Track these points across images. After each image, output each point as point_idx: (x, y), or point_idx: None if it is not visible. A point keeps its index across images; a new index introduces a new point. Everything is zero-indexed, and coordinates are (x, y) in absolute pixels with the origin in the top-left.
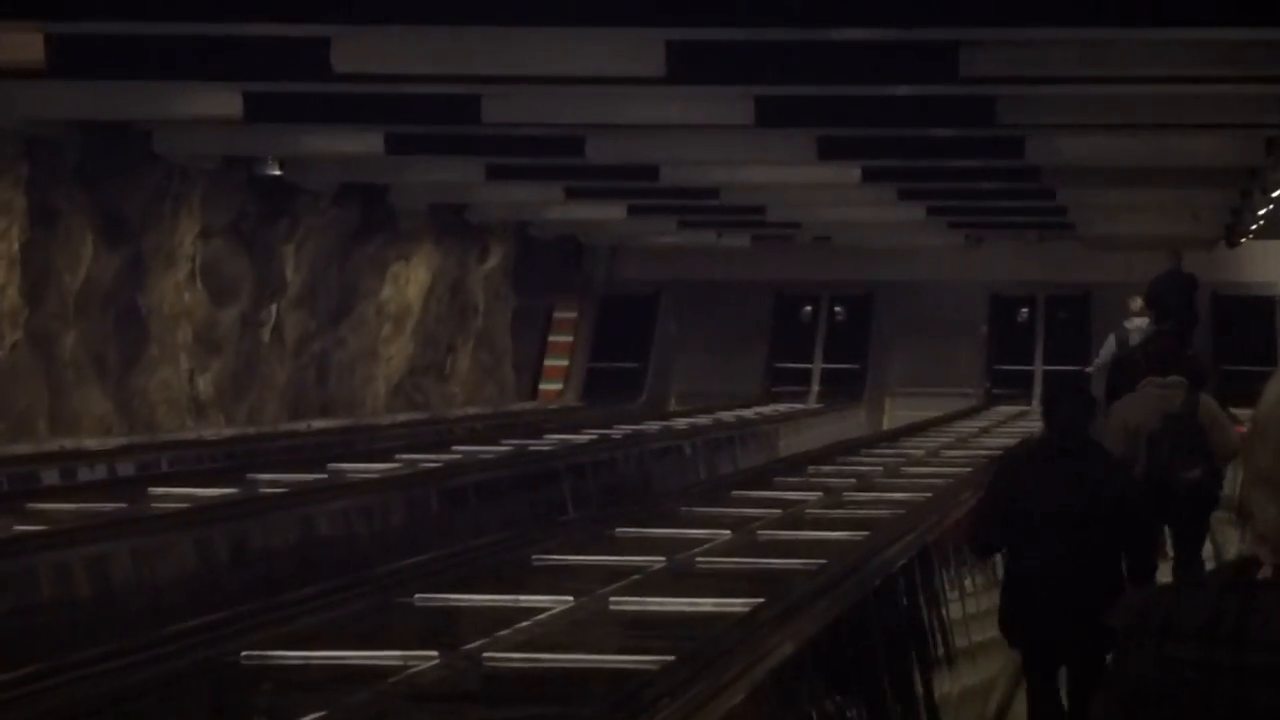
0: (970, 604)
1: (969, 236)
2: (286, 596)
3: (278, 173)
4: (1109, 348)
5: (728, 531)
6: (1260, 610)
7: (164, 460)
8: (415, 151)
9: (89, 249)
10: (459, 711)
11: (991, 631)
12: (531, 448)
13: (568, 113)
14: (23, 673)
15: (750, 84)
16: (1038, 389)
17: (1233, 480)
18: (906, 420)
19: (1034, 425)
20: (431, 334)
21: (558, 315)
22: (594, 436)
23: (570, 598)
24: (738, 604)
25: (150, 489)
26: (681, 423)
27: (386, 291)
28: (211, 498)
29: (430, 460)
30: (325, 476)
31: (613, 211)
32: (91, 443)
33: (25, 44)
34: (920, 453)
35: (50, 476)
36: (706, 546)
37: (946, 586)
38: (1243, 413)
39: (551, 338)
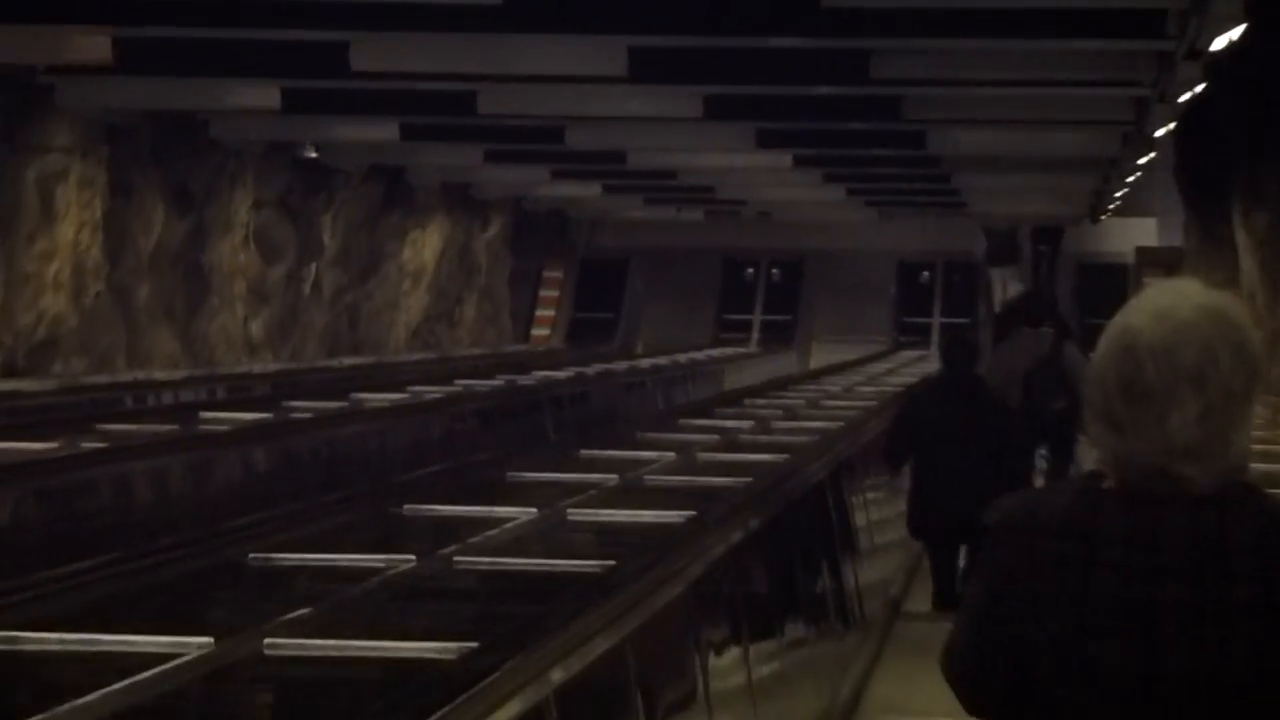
0: (874, 513)
1: (881, 213)
2: (301, 505)
3: (314, 155)
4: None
5: (673, 454)
6: (1104, 513)
7: (220, 389)
8: (425, 138)
9: (160, 217)
10: (429, 609)
11: (891, 535)
12: (520, 382)
13: (549, 106)
14: (93, 561)
15: (699, 84)
16: (935, 338)
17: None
18: (828, 362)
19: (931, 367)
20: (443, 289)
21: (547, 274)
22: (572, 373)
23: (535, 509)
24: (675, 515)
25: (202, 413)
26: (645, 363)
27: (406, 254)
28: (251, 420)
29: (437, 391)
30: (346, 404)
31: (590, 190)
32: (160, 375)
33: (95, 45)
34: (838, 389)
35: (124, 402)
36: (654, 466)
37: (854, 499)
38: None
39: (541, 293)
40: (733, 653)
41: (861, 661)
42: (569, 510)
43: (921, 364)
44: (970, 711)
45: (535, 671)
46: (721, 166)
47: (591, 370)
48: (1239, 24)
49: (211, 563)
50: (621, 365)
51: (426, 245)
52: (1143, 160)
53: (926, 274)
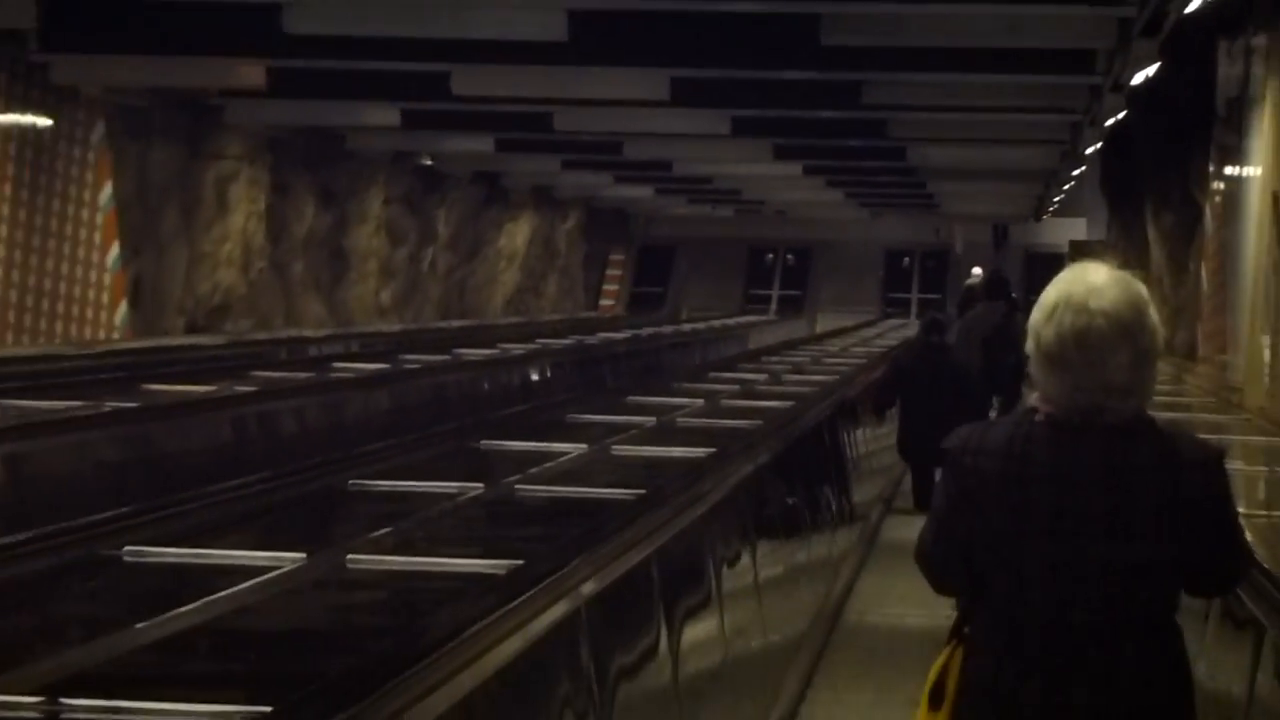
0: (862, 448)
1: (871, 211)
2: (405, 438)
3: (429, 163)
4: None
5: (701, 400)
6: (1036, 439)
7: (354, 345)
8: (514, 150)
9: (310, 210)
10: (490, 530)
11: (877, 463)
12: (587, 341)
13: (609, 125)
14: (238, 481)
15: (728, 108)
16: (914, 310)
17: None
18: (830, 328)
19: (910, 332)
20: (530, 268)
21: (612, 258)
22: (629, 335)
23: (585, 445)
24: (700, 451)
25: (334, 364)
26: (687, 327)
27: (502, 240)
28: (373, 370)
29: (521, 348)
30: (449, 358)
31: (644, 192)
32: (309, 333)
33: (253, 74)
34: (836, 349)
35: (278, 354)
36: (685, 410)
37: (848, 436)
38: None
39: (608, 272)
40: (744, 561)
41: (853, 561)
42: (613, 446)
43: (902, 330)
44: (938, 592)
45: (570, 585)
46: (746, 174)
47: (645, 332)
48: (1153, 63)
49: (323, 487)
50: (668, 329)
51: (518, 234)
52: (1075, 172)
53: (907, 259)
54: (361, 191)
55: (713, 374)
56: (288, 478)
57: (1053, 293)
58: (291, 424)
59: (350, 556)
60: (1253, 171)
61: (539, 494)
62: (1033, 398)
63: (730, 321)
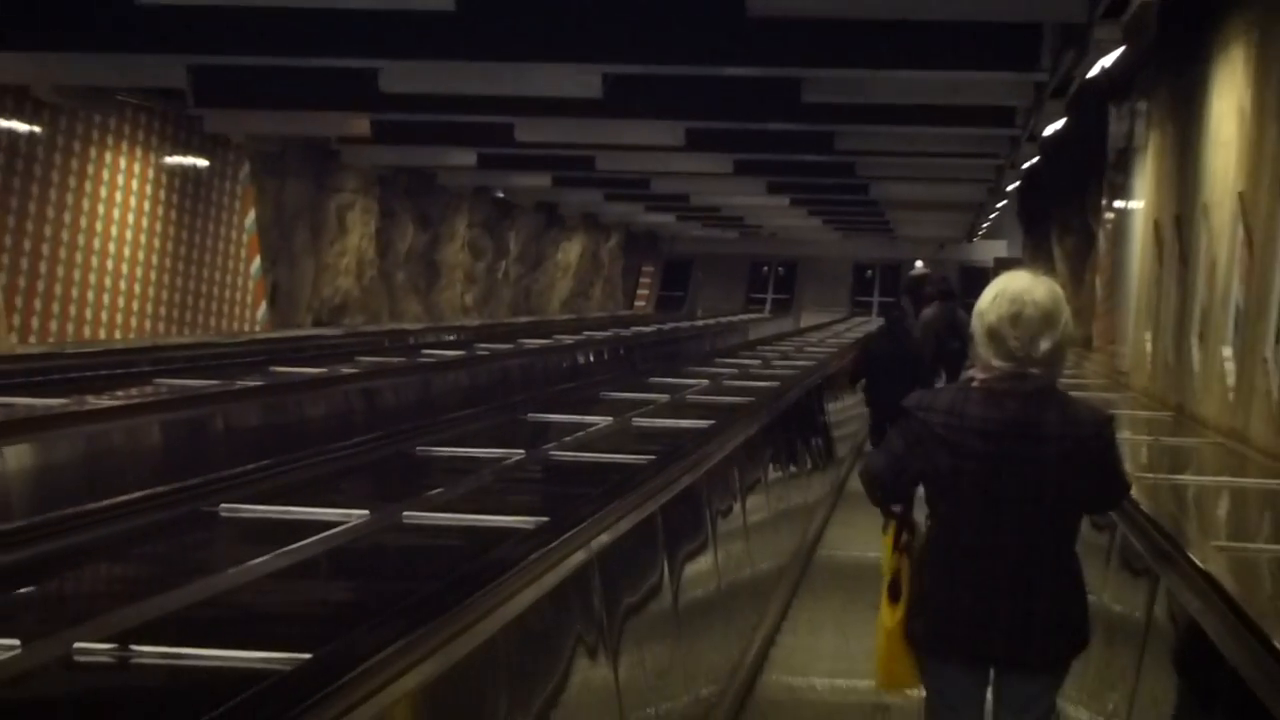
0: (837, 415)
1: (843, 234)
2: (477, 409)
3: (501, 195)
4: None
5: (707, 381)
6: (972, 400)
7: (443, 336)
8: (566, 185)
9: (410, 231)
10: (527, 489)
11: (849, 427)
12: (621, 334)
13: (639, 165)
14: (334, 445)
15: (730, 152)
16: (875, 309)
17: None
18: (811, 323)
19: (872, 327)
20: (581, 277)
21: (645, 268)
22: (655, 328)
23: (610, 418)
24: (703, 423)
25: (425, 350)
26: (700, 322)
27: (559, 256)
28: (452, 355)
29: (570, 339)
30: (513, 346)
31: (668, 219)
32: (408, 327)
33: (360, 125)
34: (815, 339)
35: (382, 343)
36: (694, 389)
37: (826, 406)
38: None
39: (641, 279)
40: (735, 512)
41: (822, 513)
42: (633, 419)
43: (865, 325)
44: (873, 502)
45: (585, 539)
46: (746, 204)
47: (667, 327)
48: (1061, 118)
49: (396, 452)
50: (685, 324)
51: (571, 250)
52: (999, 204)
53: (870, 271)
54: (450, 217)
55: (718, 359)
56: (379, 441)
57: (994, 289)
58: (390, 398)
59: (406, 513)
60: (1136, 205)
61: (570, 459)
62: (971, 371)
63: (734, 318)
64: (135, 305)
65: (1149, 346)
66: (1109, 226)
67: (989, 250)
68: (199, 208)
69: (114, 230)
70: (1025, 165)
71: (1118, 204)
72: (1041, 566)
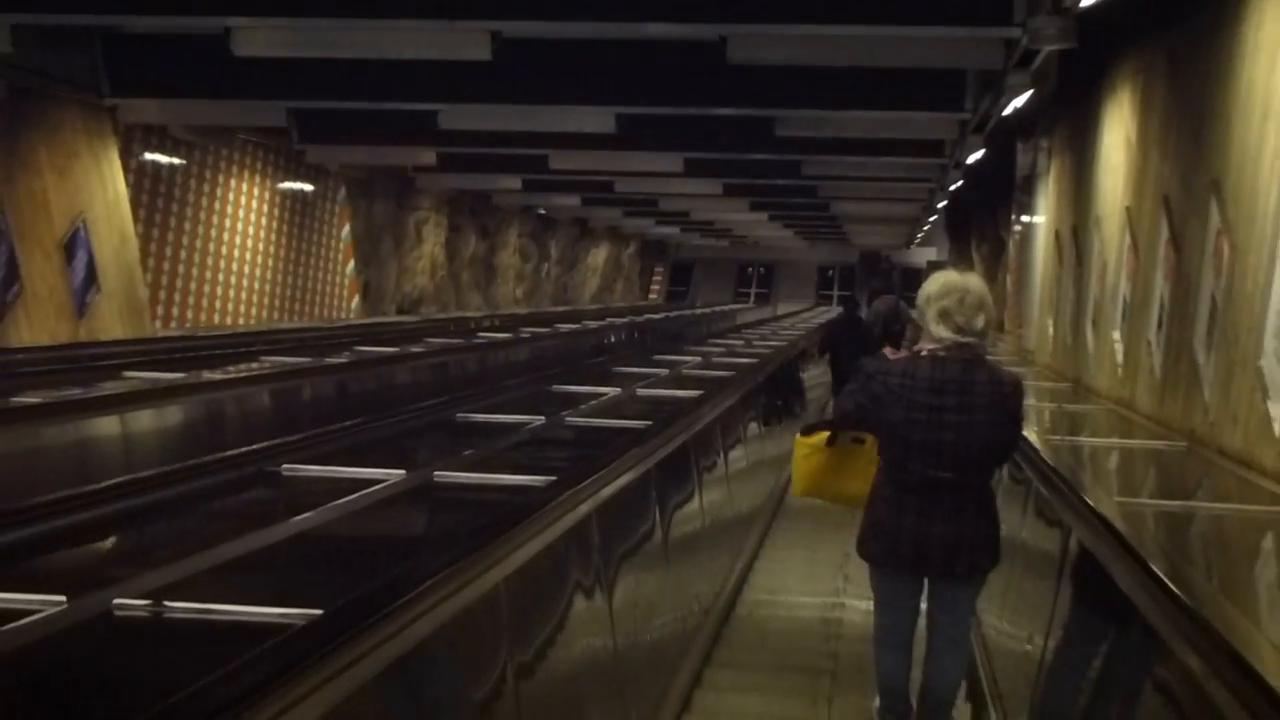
0: (810, 380)
1: (810, 243)
2: (503, 383)
3: (543, 212)
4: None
5: (699, 358)
6: (920, 365)
7: (497, 322)
8: (594, 205)
9: (473, 240)
10: (544, 453)
11: (818, 391)
12: (635, 319)
13: (648, 188)
14: (392, 413)
15: (721, 177)
16: (834, 300)
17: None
18: (784, 312)
19: (833, 314)
20: (607, 276)
21: (657, 269)
22: (663, 315)
23: (618, 389)
24: (693, 393)
25: (481, 333)
26: (700, 311)
27: (589, 260)
28: (502, 337)
29: (595, 324)
30: (549, 330)
31: (673, 230)
32: (470, 314)
33: (427, 156)
34: (788, 324)
35: (448, 328)
36: (689, 364)
37: (798, 375)
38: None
39: (654, 278)
40: (719, 465)
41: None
42: (637, 389)
43: (828, 314)
44: (840, 424)
45: (586, 495)
46: (733, 219)
47: (673, 314)
48: (980, 149)
49: (439, 419)
50: (687, 312)
51: (599, 255)
52: (931, 219)
53: (831, 271)
54: (504, 229)
55: (710, 340)
56: (432, 409)
57: (939, 282)
58: (455, 370)
59: (437, 473)
60: (1039, 219)
61: (581, 424)
62: (918, 345)
63: (725, 308)
64: (255, 299)
65: (1051, 330)
66: (1017, 236)
67: (923, 255)
68: (306, 222)
69: (239, 240)
70: (952, 188)
71: (1024, 218)
72: (969, 498)
